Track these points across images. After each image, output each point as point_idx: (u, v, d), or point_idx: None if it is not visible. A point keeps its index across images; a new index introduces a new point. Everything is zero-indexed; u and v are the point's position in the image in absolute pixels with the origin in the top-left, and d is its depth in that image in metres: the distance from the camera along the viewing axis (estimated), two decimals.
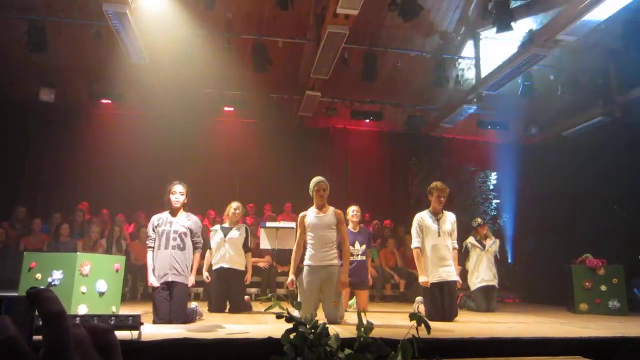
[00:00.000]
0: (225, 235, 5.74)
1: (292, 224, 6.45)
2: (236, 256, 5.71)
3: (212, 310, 5.58)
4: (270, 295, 7.03)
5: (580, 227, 8.37)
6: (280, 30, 8.04)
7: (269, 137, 10.28)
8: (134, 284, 7.63)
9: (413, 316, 2.11)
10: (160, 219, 4.45)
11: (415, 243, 5.05)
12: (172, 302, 4.27)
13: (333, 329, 2.34)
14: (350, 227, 5.77)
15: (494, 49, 8.02)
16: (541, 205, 9.38)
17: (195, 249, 4.49)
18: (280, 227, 6.58)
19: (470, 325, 4.55)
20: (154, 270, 4.36)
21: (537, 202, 9.54)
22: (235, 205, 5.90)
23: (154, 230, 4.43)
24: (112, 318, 2.82)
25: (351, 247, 5.69)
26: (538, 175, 9.80)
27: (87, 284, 4.28)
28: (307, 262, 4.44)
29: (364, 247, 5.80)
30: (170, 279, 4.30)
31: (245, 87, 9.20)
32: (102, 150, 9.58)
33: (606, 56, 8.00)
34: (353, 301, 6.16)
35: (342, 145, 10.90)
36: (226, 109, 9.76)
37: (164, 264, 4.33)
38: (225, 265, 5.63)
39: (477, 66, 8.57)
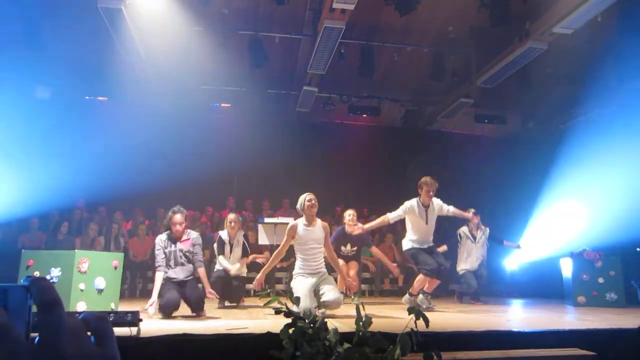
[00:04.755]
0: (231, 252, 5.96)
1: (290, 220, 6.47)
2: (241, 268, 5.99)
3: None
4: (268, 290, 7.04)
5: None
6: (276, 26, 8.02)
7: (266, 133, 10.26)
8: (133, 281, 7.64)
9: (411, 310, 2.11)
10: (164, 242, 4.75)
11: (391, 214, 5.45)
12: (187, 291, 4.61)
13: (331, 323, 2.35)
14: (346, 228, 6.01)
15: (490, 42, 8.01)
16: (537, 198, 9.39)
17: (198, 266, 4.82)
18: (278, 223, 6.57)
19: (468, 318, 4.57)
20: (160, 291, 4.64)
21: (533, 195, 9.55)
22: (231, 217, 6.08)
23: (163, 253, 4.72)
24: (111, 314, 2.83)
25: (342, 247, 6.08)
26: (535, 168, 9.81)
27: (86, 281, 4.28)
28: (298, 271, 4.65)
29: (355, 248, 6.16)
30: (179, 279, 4.66)
31: (241, 83, 9.17)
32: (99, 147, 9.54)
33: (603, 48, 7.99)
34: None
35: (339, 140, 10.88)
36: (223, 105, 9.73)
37: (172, 274, 4.70)
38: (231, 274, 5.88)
39: (474, 60, 8.56)
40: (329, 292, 4.43)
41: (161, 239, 4.79)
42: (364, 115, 10.28)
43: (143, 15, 6.80)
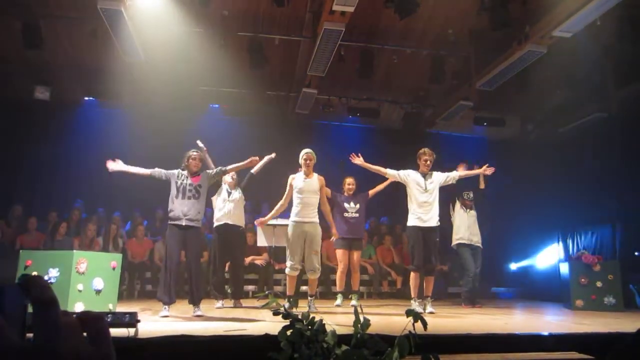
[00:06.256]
0: (229, 195, 6.27)
1: (289, 221, 6.47)
2: (238, 214, 6.24)
3: (216, 282, 6.06)
4: (267, 292, 7.17)
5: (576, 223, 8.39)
6: (276, 27, 8.02)
7: (265, 134, 10.25)
8: (131, 282, 7.62)
9: (409, 312, 2.11)
10: (181, 174, 5.02)
11: (391, 170, 5.73)
12: (189, 256, 4.87)
13: (330, 325, 2.34)
14: (345, 194, 6.65)
15: (490, 45, 8.02)
16: (536, 201, 9.41)
17: (223, 172, 5.32)
18: (277, 225, 6.55)
19: (466, 320, 4.57)
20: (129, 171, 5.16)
21: (531, 198, 9.56)
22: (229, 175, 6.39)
23: (170, 176, 5.02)
24: (109, 315, 2.82)
25: (346, 205, 6.53)
26: (534, 172, 9.82)
27: (84, 282, 4.28)
28: (293, 218, 5.25)
29: (357, 205, 6.53)
30: (183, 223, 4.78)
31: (241, 84, 9.16)
32: (98, 148, 9.52)
33: (602, 52, 8.00)
34: (339, 301, 6.26)
35: (338, 142, 10.88)
36: (222, 106, 9.71)
37: (178, 211, 4.83)
38: (229, 222, 6.11)
39: (473, 63, 8.57)
40: (311, 261, 5.17)
41: (178, 171, 5.05)
42: (363, 117, 10.27)
43: (143, 16, 6.79)
